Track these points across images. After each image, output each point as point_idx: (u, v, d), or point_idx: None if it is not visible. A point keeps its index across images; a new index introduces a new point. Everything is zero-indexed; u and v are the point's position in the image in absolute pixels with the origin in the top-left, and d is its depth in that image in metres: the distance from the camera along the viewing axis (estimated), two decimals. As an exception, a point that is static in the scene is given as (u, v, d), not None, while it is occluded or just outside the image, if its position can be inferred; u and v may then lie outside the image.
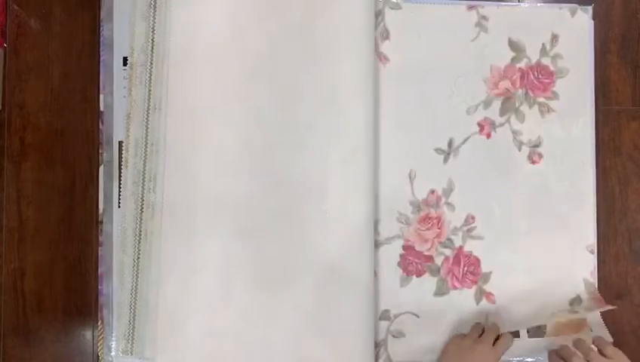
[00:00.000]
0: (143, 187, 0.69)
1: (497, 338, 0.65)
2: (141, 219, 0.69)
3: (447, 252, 0.70)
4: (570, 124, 0.71)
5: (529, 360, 0.69)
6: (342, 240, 0.66)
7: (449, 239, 0.71)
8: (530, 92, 0.71)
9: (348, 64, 0.67)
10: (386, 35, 0.71)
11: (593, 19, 0.72)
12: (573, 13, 0.72)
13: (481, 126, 0.71)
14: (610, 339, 0.67)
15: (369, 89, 0.67)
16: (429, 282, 0.70)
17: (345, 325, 0.66)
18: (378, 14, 0.71)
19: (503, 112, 0.71)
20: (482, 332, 0.65)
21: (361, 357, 0.66)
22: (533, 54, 0.72)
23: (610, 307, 0.68)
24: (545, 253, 0.70)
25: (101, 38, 0.70)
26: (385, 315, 0.69)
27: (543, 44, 0.72)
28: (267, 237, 0.67)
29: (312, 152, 0.67)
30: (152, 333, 0.68)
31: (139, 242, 0.68)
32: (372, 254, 0.67)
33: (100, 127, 0.70)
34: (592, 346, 0.63)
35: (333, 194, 0.66)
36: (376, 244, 0.69)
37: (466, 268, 0.70)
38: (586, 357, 0.62)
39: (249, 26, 0.68)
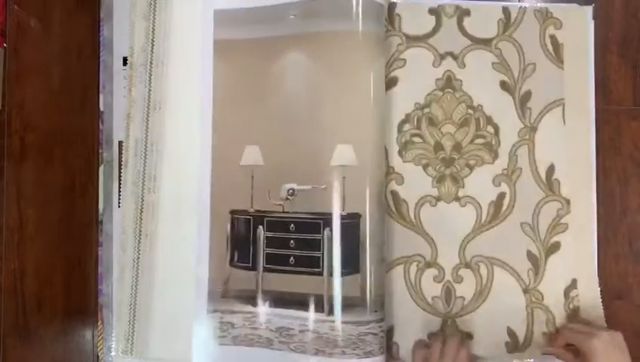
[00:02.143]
0: (142, 187, 0.69)
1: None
2: (141, 219, 0.69)
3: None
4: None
5: (529, 360, 0.69)
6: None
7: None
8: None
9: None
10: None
11: (593, 19, 0.72)
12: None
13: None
14: None
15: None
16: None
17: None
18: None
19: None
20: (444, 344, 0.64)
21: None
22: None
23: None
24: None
25: (101, 38, 0.70)
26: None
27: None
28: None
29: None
30: (152, 333, 0.68)
31: (139, 242, 0.68)
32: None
33: (100, 127, 0.70)
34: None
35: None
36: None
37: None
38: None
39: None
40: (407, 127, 0.70)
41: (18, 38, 0.70)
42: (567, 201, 0.70)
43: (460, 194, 0.70)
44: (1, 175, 0.69)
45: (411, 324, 0.68)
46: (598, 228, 0.71)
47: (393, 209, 0.69)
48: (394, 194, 0.69)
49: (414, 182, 0.69)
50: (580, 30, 0.72)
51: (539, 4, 0.72)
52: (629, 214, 0.72)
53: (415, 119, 0.70)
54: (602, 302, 0.69)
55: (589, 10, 0.72)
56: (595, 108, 0.71)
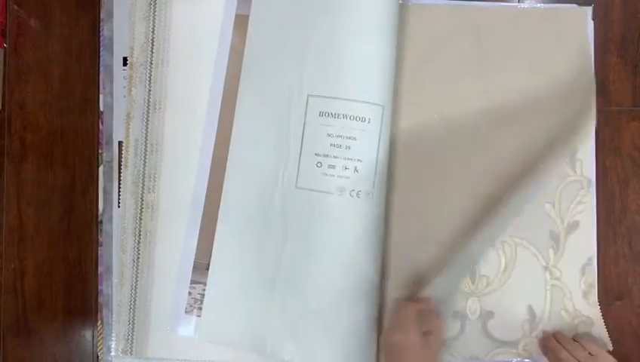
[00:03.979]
0: (142, 187, 0.69)
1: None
2: (141, 219, 0.69)
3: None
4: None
5: (528, 361, 0.69)
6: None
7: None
8: (530, 92, 0.72)
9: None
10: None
11: (593, 19, 0.72)
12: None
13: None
14: (609, 345, 0.68)
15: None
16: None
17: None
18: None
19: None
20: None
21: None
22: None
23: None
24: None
25: (101, 38, 0.70)
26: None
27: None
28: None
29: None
30: (152, 333, 0.68)
31: (138, 242, 0.69)
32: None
33: (100, 127, 0.70)
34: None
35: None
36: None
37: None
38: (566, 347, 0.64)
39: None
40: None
41: (18, 38, 0.70)
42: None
43: None
44: (1, 175, 0.69)
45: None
46: (598, 228, 0.71)
47: None
48: None
49: None
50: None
51: (539, 5, 0.72)
52: (629, 214, 0.72)
53: None
54: (602, 302, 0.69)
55: (588, 10, 0.72)
56: (595, 108, 0.71)
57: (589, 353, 0.63)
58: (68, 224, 0.70)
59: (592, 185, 0.71)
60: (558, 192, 0.70)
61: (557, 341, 0.66)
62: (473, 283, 0.69)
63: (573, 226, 0.70)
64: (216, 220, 0.68)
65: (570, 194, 0.70)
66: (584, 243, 0.70)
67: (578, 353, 0.63)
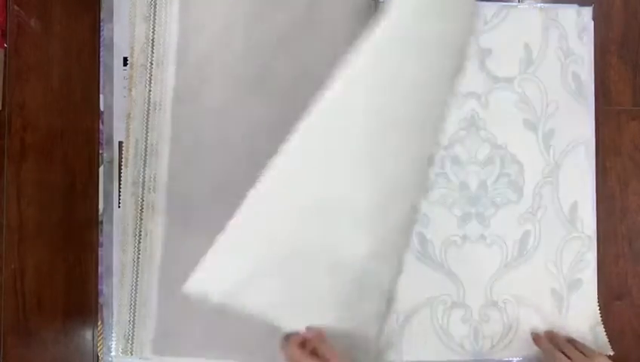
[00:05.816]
0: (143, 187, 0.69)
1: None
2: (141, 219, 0.69)
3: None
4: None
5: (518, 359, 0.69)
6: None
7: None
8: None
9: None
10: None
11: (593, 19, 0.72)
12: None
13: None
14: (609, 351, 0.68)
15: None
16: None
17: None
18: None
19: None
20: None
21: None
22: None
23: None
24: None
25: (101, 38, 0.70)
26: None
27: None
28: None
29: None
30: (153, 333, 0.68)
31: (139, 242, 0.69)
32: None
33: (100, 127, 0.70)
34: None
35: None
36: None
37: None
38: (561, 348, 0.64)
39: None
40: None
41: (18, 38, 0.70)
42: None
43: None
44: (1, 175, 0.69)
45: None
46: (598, 228, 0.71)
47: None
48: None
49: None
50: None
51: (539, 5, 0.72)
52: (629, 214, 0.72)
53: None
54: (602, 302, 0.69)
55: (588, 10, 0.72)
56: (595, 108, 0.72)
57: (584, 354, 0.63)
58: (68, 224, 0.70)
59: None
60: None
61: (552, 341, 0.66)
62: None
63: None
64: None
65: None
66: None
67: (572, 353, 0.63)
